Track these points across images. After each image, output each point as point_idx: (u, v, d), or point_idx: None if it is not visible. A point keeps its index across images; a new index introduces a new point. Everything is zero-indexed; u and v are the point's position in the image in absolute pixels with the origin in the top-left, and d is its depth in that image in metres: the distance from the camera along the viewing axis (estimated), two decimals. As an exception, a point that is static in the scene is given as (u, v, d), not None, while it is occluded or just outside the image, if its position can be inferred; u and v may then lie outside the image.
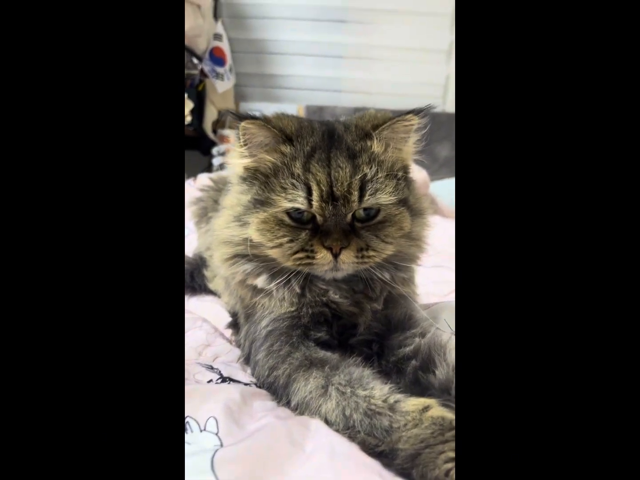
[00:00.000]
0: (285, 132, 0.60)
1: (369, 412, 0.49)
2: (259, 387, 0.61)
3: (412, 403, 0.49)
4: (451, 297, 0.95)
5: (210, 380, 0.61)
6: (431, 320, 0.67)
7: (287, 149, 0.59)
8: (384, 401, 0.50)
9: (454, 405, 0.52)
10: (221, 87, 2.64)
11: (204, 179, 1.58)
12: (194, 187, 1.45)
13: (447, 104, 2.73)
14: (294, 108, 2.67)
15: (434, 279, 1.05)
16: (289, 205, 0.58)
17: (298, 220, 0.59)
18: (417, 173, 1.74)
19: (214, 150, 2.59)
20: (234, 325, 0.76)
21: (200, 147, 2.67)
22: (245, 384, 0.61)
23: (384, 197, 0.59)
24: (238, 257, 0.64)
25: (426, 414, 0.47)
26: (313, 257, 0.58)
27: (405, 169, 0.65)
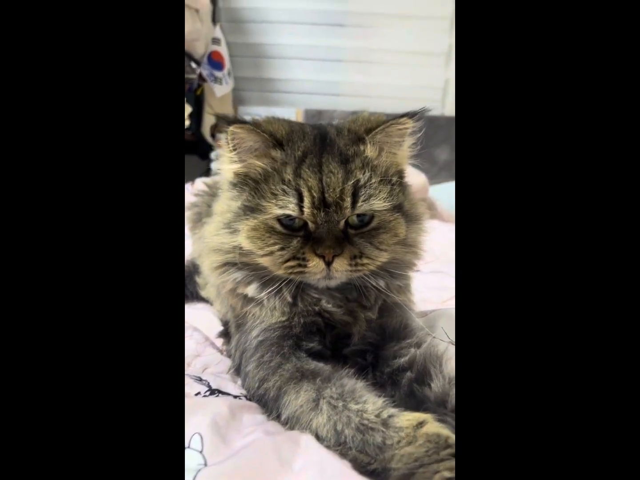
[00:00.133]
0: (275, 136, 0.58)
1: (362, 427, 0.47)
2: (249, 399, 0.59)
3: (406, 418, 0.47)
4: (449, 304, 0.93)
5: (198, 393, 0.59)
6: (427, 330, 0.65)
7: (277, 153, 0.58)
8: (377, 416, 0.48)
9: (450, 419, 0.50)
10: (219, 91, 2.63)
11: (200, 183, 1.57)
12: (191, 192, 1.43)
13: (446, 107, 2.72)
14: (292, 112, 2.66)
15: (431, 285, 1.03)
16: (279, 211, 0.56)
17: (289, 228, 0.57)
18: (416, 177, 1.74)
19: (212, 155, 2.58)
20: (225, 334, 0.74)
21: (198, 151, 2.66)
22: (235, 397, 0.58)
23: (378, 203, 0.57)
24: (228, 265, 0.62)
25: (421, 430, 0.45)
26: (305, 266, 0.56)
27: (400, 173, 0.63)
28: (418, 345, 0.60)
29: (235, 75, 2.76)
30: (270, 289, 0.59)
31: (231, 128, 0.57)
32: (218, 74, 2.61)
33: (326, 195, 0.55)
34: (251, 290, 0.61)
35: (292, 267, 0.57)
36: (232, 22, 2.74)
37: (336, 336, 0.62)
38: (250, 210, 0.58)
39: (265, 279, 0.60)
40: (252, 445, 0.46)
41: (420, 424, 0.46)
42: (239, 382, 0.63)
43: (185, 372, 0.65)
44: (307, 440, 0.48)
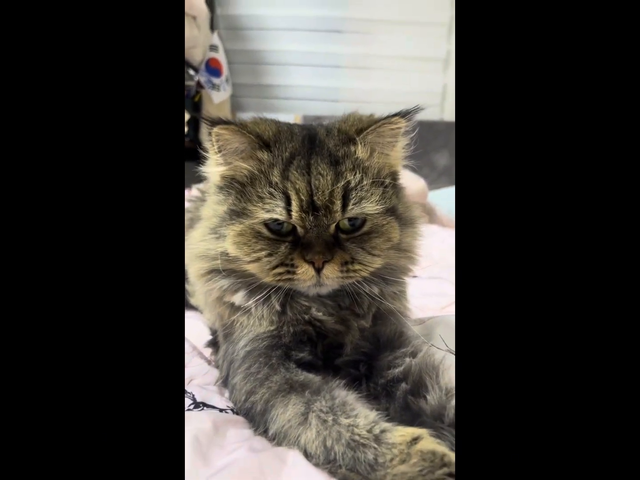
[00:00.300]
0: (261, 137, 0.56)
1: (352, 443, 0.44)
2: (236, 413, 0.56)
3: (400, 434, 0.44)
4: (448, 311, 0.90)
5: (182, 407, 0.56)
6: (423, 338, 0.62)
7: (264, 155, 0.55)
8: (369, 431, 0.45)
9: (447, 434, 0.47)
10: (217, 98, 2.62)
11: (195, 190, 1.55)
12: (187, 198, 1.41)
13: (445, 112, 2.71)
14: (291, 118, 2.65)
15: (429, 291, 1.00)
16: (266, 216, 0.54)
17: (277, 232, 0.55)
18: (415, 182, 1.72)
19: (210, 161, 2.56)
20: (214, 343, 0.71)
21: (196, 158, 2.64)
22: (221, 410, 0.56)
23: (370, 206, 0.55)
24: (214, 272, 0.59)
25: (415, 447, 0.42)
26: (294, 272, 0.54)
27: (393, 175, 0.61)
28: (413, 354, 0.57)
29: (234, 82, 2.76)
30: (257, 297, 0.57)
31: (215, 129, 0.55)
32: (216, 80, 2.61)
33: (315, 198, 0.53)
34: (238, 298, 0.59)
35: (280, 274, 0.54)
36: (230, 29, 2.75)
37: (328, 346, 0.59)
38: (236, 214, 0.56)
39: (253, 286, 0.58)
40: (235, 464, 0.43)
41: (415, 440, 0.43)
42: (227, 394, 0.60)
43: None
44: (294, 457, 0.45)
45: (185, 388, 0.61)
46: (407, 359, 0.56)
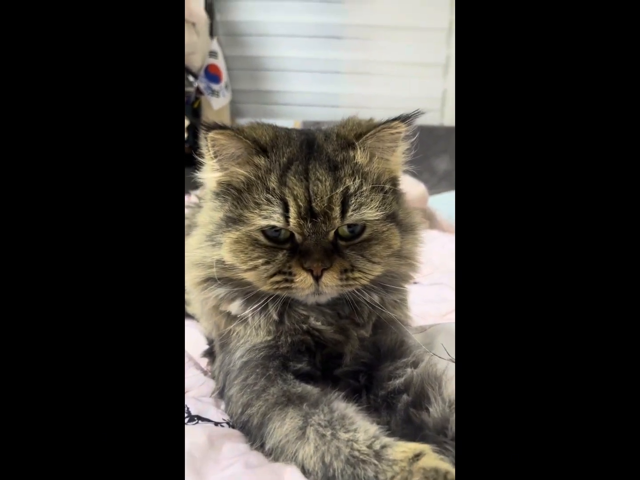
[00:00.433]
0: (258, 142, 0.54)
1: (352, 459, 0.42)
2: (232, 426, 0.54)
3: (401, 450, 0.42)
4: (449, 318, 0.89)
5: (177, 420, 0.54)
6: (425, 348, 0.60)
7: (261, 160, 0.54)
8: (369, 447, 0.43)
9: (451, 449, 0.45)
10: (216, 104, 2.62)
11: (194, 196, 1.54)
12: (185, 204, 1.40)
13: (445, 117, 2.71)
14: (290, 124, 2.65)
15: (430, 298, 0.98)
16: (263, 222, 0.52)
17: (274, 240, 0.53)
18: (415, 187, 1.71)
19: (209, 167, 2.56)
20: (210, 353, 0.69)
21: (196, 164, 2.64)
22: (216, 424, 0.54)
23: (370, 213, 0.53)
24: (210, 280, 0.58)
25: (417, 464, 0.40)
26: (292, 281, 0.52)
27: (393, 181, 0.59)
28: (415, 364, 0.55)
29: (233, 88, 2.76)
30: (254, 307, 0.55)
31: (211, 134, 0.53)
32: (215, 86, 2.61)
33: (313, 204, 0.52)
34: (234, 307, 0.57)
35: (278, 282, 0.53)
36: (229, 36, 2.75)
37: (327, 356, 0.57)
38: (232, 221, 0.54)
39: (250, 295, 0.56)
40: (230, 482, 0.41)
41: (417, 457, 0.41)
42: (223, 406, 0.59)
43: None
44: (291, 474, 0.43)
45: (180, 400, 0.59)
46: (409, 370, 0.54)
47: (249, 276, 0.54)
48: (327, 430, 0.45)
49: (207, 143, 0.55)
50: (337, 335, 0.57)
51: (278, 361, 0.55)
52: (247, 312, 0.56)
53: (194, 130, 2.58)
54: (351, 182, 0.53)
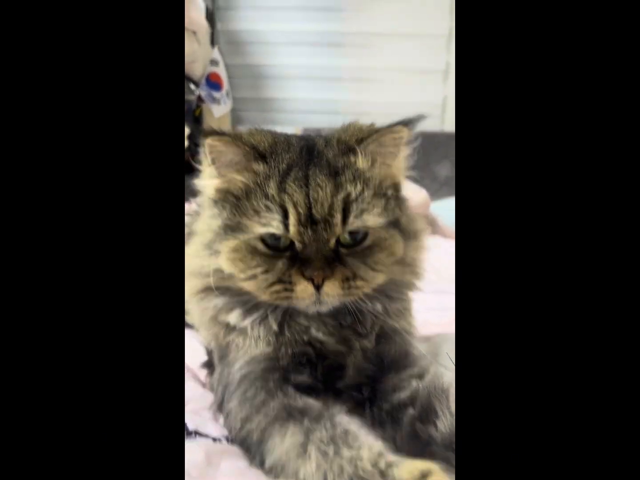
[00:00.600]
0: (257, 148, 0.53)
1: (356, 478, 0.40)
2: (231, 441, 0.52)
3: (408, 469, 0.40)
4: (453, 326, 0.86)
5: (173, 435, 0.52)
6: (430, 358, 0.59)
7: (259, 167, 0.53)
8: (374, 465, 0.41)
9: (459, 466, 0.43)
10: (218, 112, 2.63)
11: (194, 204, 1.53)
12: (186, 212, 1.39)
13: (446, 123, 2.70)
14: (291, 131, 2.64)
15: (433, 306, 0.96)
16: (262, 230, 0.51)
17: (274, 248, 0.52)
18: (417, 193, 1.69)
19: (210, 175, 2.55)
20: (209, 365, 0.67)
21: (195, 171, 2.63)
22: (214, 440, 0.52)
23: (372, 219, 0.52)
24: (208, 290, 0.56)
25: (424, 483, 0.38)
26: (292, 290, 0.50)
27: (395, 186, 0.58)
28: (420, 376, 0.54)
29: (234, 96, 2.77)
30: (254, 317, 0.54)
31: (208, 140, 0.52)
32: (216, 94, 2.61)
33: (313, 211, 0.50)
34: (233, 317, 0.56)
35: (277, 291, 0.51)
36: (230, 44, 2.77)
37: (328, 367, 0.55)
38: (231, 229, 0.53)
39: (249, 305, 0.55)
40: (227, 503, 0.39)
41: (424, 476, 0.39)
42: (221, 420, 0.57)
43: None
44: (292, 494, 0.41)
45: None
46: (414, 382, 0.52)
47: (248, 285, 0.53)
48: (329, 447, 0.43)
49: (205, 149, 0.53)
50: (339, 346, 0.55)
51: (278, 374, 0.53)
52: (246, 322, 0.54)
53: (193, 138, 2.59)
54: (352, 188, 0.51)
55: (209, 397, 0.62)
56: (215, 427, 0.54)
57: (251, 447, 0.49)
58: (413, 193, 0.61)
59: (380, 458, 0.41)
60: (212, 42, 2.69)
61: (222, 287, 0.55)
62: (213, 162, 0.53)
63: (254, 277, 0.52)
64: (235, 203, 0.53)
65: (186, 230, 1.09)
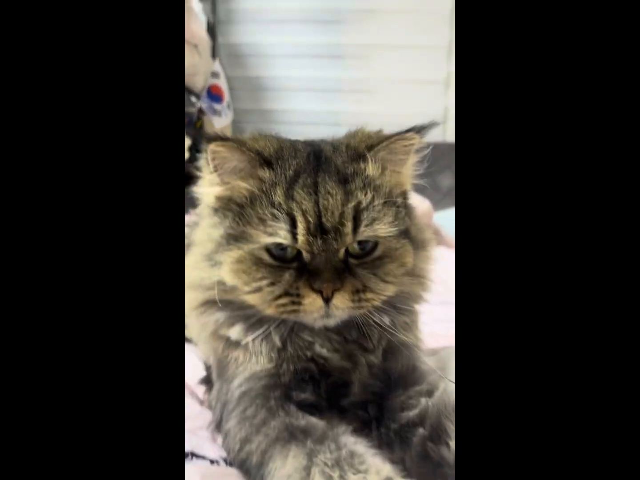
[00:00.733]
0: (262, 154, 0.51)
1: None
2: (230, 464, 0.49)
3: (419, 494, 0.37)
4: (461, 340, 0.84)
5: (169, 457, 0.49)
6: (439, 373, 0.56)
7: (265, 173, 0.50)
8: None
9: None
10: (218, 123, 2.63)
11: (194, 215, 1.51)
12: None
13: (447, 133, 2.70)
14: (292, 142, 2.65)
15: (440, 318, 0.93)
16: (268, 240, 0.48)
17: (280, 259, 0.49)
18: (421, 203, 1.67)
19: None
20: (207, 381, 0.64)
21: (195, 181, 2.63)
22: (212, 461, 0.49)
23: (383, 228, 0.49)
24: (209, 304, 0.53)
25: (437, 511, 0.35)
26: (299, 303, 0.47)
27: (404, 195, 0.56)
28: (429, 393, 0.51)
29: (235, 108, 2.78)
30: (258, 333, 0.51)
31: (211, 146, 0.49)
32: (217, 106, 2.62)
33: (323, 219, 0.47)
34: (235, 332, 0.53)
35: (284, 305, 0.48)
36: (231, 57, 2.79)
37: (332, 385, 0.53)
38: (234, 239, 0.50)
39: (252, 320, 0.52)
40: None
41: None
42: (220, 440, 0.54)
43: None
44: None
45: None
46: (423, 400, 0.50)
47: (252, 299, 0.50)
48: (334, 471, 0.40)
49: (207, 156, 0.51)
50: (343, 362, 0.52)
51: (280, 391, 0.50)
52: (249, 338, 0.51)
53: (196, 150, 2.59)
54: (363, 196, 0.49)
55: (206, 416, 0.59)
56: (213, 448, 0.52)
57: (251, 470, 0.46)
58: (417, 203, 0.59)
59: (390, 483, 0.39)
60: (213, 54, 2.71)
61: (224, 301, 0.52)
62: (216, 169, 0.51)
63: (258, 289, 0.49)
64: (239, 211, 0.50)
65: (185, 241, 1.07)
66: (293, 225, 0.47)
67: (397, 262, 0.51)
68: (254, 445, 0.46)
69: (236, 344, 0.53)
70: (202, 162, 0.53)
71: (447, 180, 2.40)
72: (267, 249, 0.49)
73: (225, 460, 0.50)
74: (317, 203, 0.48)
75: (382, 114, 2.71)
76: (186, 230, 1.10)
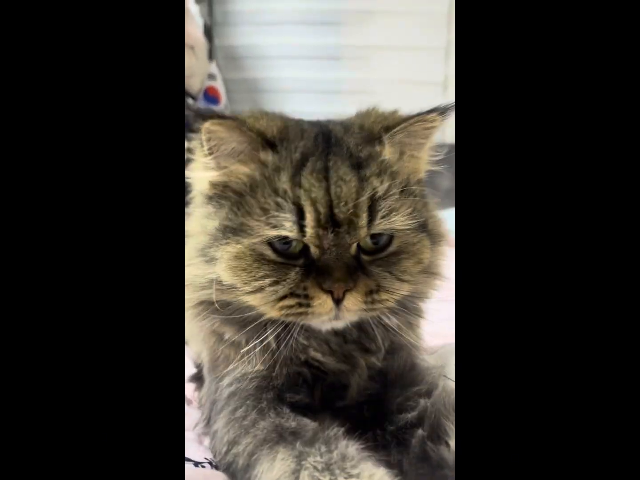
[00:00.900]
0: (265, 135, 0.45)
1: None
2: (215, 467, 0.46)
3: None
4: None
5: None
6: (438, 370, 0.53)
7: (268, 156, 0.44)
8: None
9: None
10: (216, 126, 2.62)
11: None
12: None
13: (446, 134, 2.69)
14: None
15: (440, 316, 0.90)
16: (272, 233, 0.42)
17: (284, 254, 0.43)
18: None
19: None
20: (198, 378, 0.61)
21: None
22: (196, 464, 0.46)
23: (401, 220, 0.44)
24: (204, 305, 0.48)
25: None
26: (308, 305, 0.42)
27: (420, 183, 0.50)
28: (428, 393, 0.48)
29: (232, 109, 2.76)
30: (255, 340, 0.46)
31: (206, 124, 0.43)
32: (214, 108, 2.61)
33: (336, 210, 0.42)
34: (229, 332, 0.49)
35: (289, 306, 0.43)
36: (228, 59, 2.79)
37: (329, 387, 0.49)
38: (231, 231, 0.44)
39: (251, 324, 0.46)
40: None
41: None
42: (207, 442, 0.51)
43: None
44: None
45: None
46: (422, 401, 0.47)
47: (254, 299, 0.44)
48: (324, 475, 0.37)
49: (202, 136, 0.44)
50: (341, 364, 0.49)
51: (272, 392, 0.47)
52: (242, 337, 0.47)
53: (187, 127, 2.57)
54: (379, 184, 0.43)
55: (193, 416, 0.56)
56: (197, 450, 0.49)
57: (237, 474, 0.43)
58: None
59: (384, 487, 0.36)
60: (210, 56, 2.71)
61: (221, 302, 0.46)
62: (211, 151, 0.45)
63: (260, 289, 0.43)
64: (237, 200, 0.45)
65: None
66: (300, 216, 0.42)
67: (414, 258, 0.46)
68: (241, 448, 0.43)
69: (229, 341, 0.49)
70: (195, 143, 0.47)
71: (447, 180, 2.39)
72: (270, 244, 0.43)
73: (210, 463, 0.47)
74: (328, 191, 0.42)
75: (381, 115, 2.71)
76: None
